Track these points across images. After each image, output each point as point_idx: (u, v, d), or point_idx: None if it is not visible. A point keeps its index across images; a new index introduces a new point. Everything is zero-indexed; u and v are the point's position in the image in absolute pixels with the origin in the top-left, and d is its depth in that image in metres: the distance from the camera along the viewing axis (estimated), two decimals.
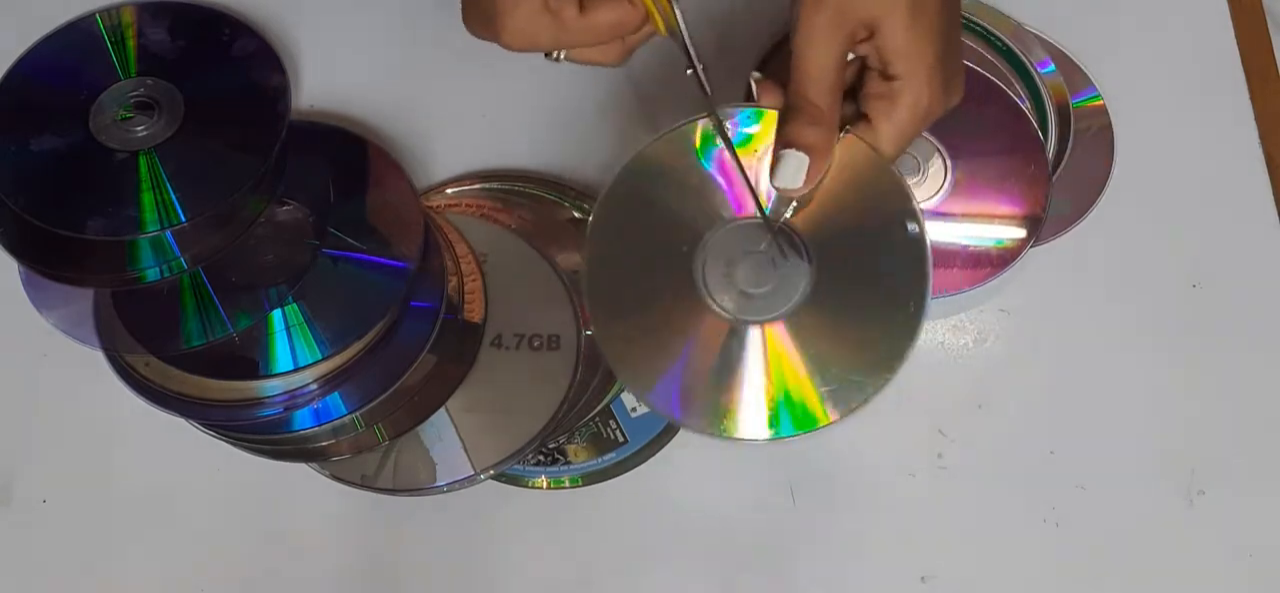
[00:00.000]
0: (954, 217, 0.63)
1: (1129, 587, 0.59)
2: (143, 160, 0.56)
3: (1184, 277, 0.64)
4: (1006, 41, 0.69)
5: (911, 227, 0.51)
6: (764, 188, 0.51)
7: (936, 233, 0.63)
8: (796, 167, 0.50)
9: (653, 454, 0.61)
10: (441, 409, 0.60)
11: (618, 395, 0.61)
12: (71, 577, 0.59)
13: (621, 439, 0.61)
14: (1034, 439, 0.61)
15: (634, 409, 0.61)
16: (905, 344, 0.50)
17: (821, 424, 0.50)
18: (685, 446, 0.61)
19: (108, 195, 0.56)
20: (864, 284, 0.51)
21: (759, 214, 0.51)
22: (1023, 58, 0.68)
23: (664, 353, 0.51)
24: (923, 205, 0.62)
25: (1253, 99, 0.68)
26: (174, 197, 0.55)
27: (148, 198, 0.55)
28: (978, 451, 0.61)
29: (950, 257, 0.63)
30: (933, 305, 0.62)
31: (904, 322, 0.50)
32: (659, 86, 0.68)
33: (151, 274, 0.55)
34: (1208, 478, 0.60)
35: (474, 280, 0.63)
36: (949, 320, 0.64)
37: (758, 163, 0.52)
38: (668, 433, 0.61)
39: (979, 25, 0.69)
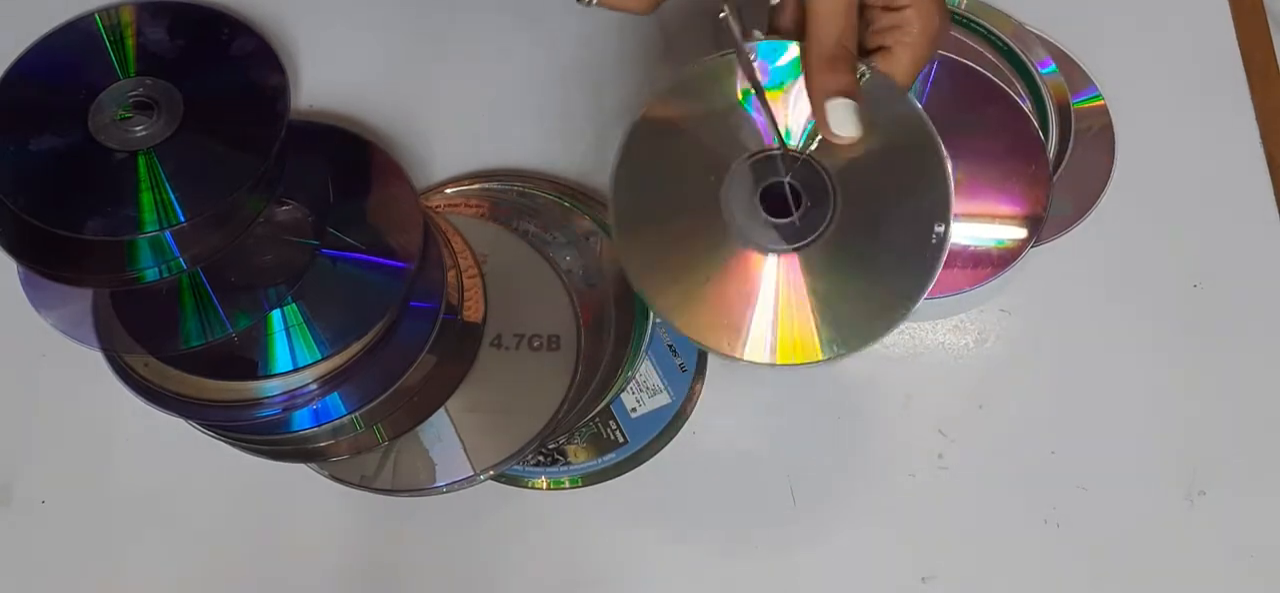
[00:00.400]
0: (955, 217, 0.63)
1: (1130, 587, 0.59)
2: (142, 160, 0.56)
3: (1185, 276, 0.64)
4: (1007, 41, 0.69)
5: (936, 163, 0.51)
6: (783, 121, 0.52)
7: None
8: (847, 112, 0.50)
9: (653, 455, 0.60)
10: (441, 410, 0.60)
11: (618, 395, 0.61)
12: (71, 577, 0.59)
13: (621, 440, 0.61)
14: (1035, 439, 0.61)
15: (634, 409, 0.61)
16: (918, 288, 0.50)
17: (819, 359, 0.51)
18: (684, 445, 0.61)
19: (107, 195, 0.55)
20: (885, 220, 0.52)
21: (780, 145, 0.52)
22: (1023, 58, 0.68)
23: (687, 277, 0.52)
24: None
25: (1253, 98, 0.68)
26: (173, 196, 0.55)
27: (146, 198, 0.55)
28: (978, 451, 0.61)
29: (951, 257, 0.62)
30: (934, 306, 0.63)
31: (920, 264, 0.51)
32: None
33: (150, 274, 0.55)
34: (1208, 478, 0.60)
35: (474, 280, 0.62)
36: (950, 320, 0.64)
37: (783, 95, 0.52)
38: (667, 433, 0.61)
39: (980, 25, 0.69)
